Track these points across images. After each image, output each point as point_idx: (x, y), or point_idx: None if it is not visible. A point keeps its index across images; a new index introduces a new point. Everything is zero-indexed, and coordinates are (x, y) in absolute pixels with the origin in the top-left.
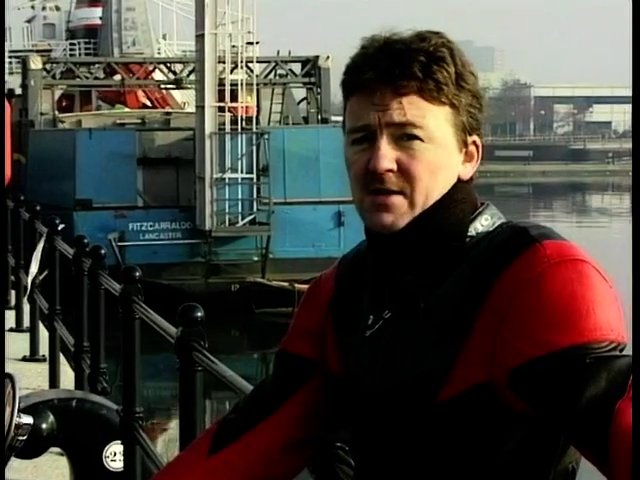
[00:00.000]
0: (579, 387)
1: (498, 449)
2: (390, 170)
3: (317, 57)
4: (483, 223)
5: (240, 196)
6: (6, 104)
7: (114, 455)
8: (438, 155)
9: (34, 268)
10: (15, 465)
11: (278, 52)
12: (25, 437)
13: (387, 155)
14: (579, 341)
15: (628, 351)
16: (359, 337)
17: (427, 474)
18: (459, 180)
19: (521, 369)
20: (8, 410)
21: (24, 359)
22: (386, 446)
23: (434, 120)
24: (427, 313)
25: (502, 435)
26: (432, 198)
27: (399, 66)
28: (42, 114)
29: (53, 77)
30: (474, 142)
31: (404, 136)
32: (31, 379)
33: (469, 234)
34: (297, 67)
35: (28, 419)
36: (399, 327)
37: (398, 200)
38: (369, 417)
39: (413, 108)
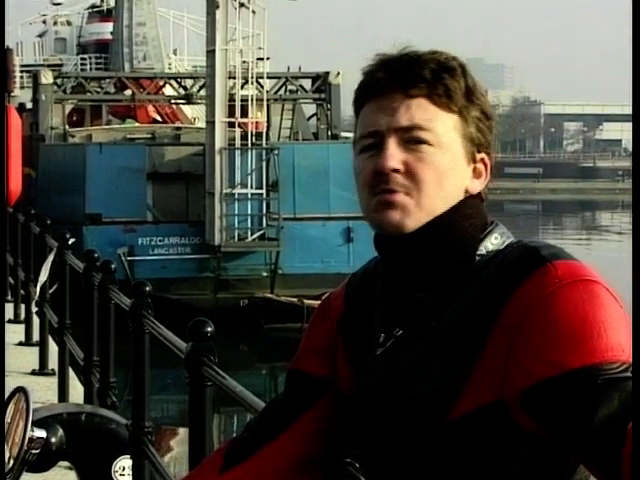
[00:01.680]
0: (591, 408)
1: (508, 467)
2: (397, 170)
3: (327, 73)
4: (493, 242)
5: (249, 211)
6: (17, 118)
7: (123, 470)
8: (445, 160)
9: (43, 277)
10: (28, 479)
11: (288, 68)
12: (38, 451)
13: (394, 155)
14: (591, 362)
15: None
16: (370, 355)
17: None
18: (472, 196)
19: (533, 389)
20: (21, 424)
21: (33, 373)
22: (396, 464)
23: (442, 125)
24: (439, 331)
25: (512, 453)
26: (439, 205)
27: (410, 69)
28: (53, 128)
29: (64, 91)
30: (482, 160)
31: (412, 140)
32: (40, 393)
33: (479, 252)
34: (307, 83)
35: (41, 432)
36: (410, 345)
37: (404, 198)
38: (379, 434)
39: (421, 112)
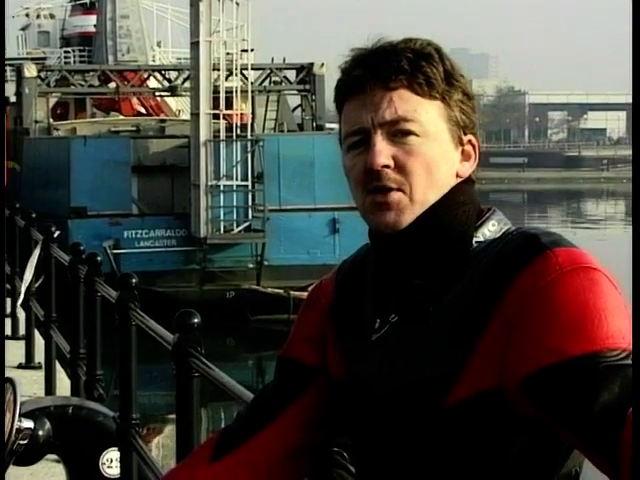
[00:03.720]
0: (592, 394)
1: (503, 454)
2: (387, 166)
3: (312, 64)
4: (490, 229)
5: (235, 203)
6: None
7: (110, 462)
8: (434, 149)
9: (28, 275)
10: (12, 472)
11: (273, 59)
12: (26, 441)
13: (383, 151)
14: (592, 349)
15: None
16: (364, 341)
17: (431, 479)
18: (463, 181)
19: (534, 376)
20: (9, 415)
21: (20, 366)
22: (390, 451)
23: (426, 114)
24: (436, 317)
25: (507, 440)
26: (432, 194)
27: (387, 62)
28: (37, 122)
29: (48, 85)
30: (470, 141)
31: (398, 133)
32: (27, 386)
33: (477, 239)
34: (292, 74)
35: (29, 423)
36: (406, 331)
37: (397, 196)
38: (373, 422)
39: (404, 103)
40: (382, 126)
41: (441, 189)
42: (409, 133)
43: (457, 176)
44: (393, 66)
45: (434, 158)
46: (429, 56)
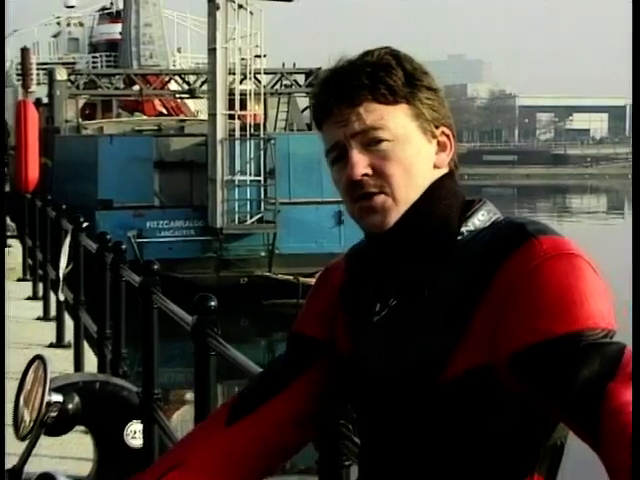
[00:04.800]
0: (574, 370)
1: (494, 426)
2: (366, 174)
3: (319, 69)
4: (480, 218)
5: (248, 196)
6: (34, 112)
7: (134, 433)
8: (407, 150)
9: (63, 262)
10: (43, 442)
11: (283, 64)
12: (55, 414)
13: (360, 162)
14: (574, 329)
15: (619, 339)
16: (366, 323)
17: (428, 449)
18: (444, 175)
19: (520, 354)
20: (40, 390)
21: (51, 345)
22: (390, 422)
23: (393, 119)
24: (431, 301)
25: (498, 414)
26: (413, 191)
27: (347, 82)
28: (67, 121)
29: (77, 87)
30: (443, 132)
31: (371, 141)
32: (58, 364)
33: (467, 228)
34: (301, 78)
35: (58, 397)
36: (404, 314)
37: (381, 199)
38: (374, 395)
39: (370, 114)
40: (354, 137)
41: (422, 184)
42: (381, 140)
43: (435, 167)
44: (353, 85)
45: (409, 158)
46: (387, 66)
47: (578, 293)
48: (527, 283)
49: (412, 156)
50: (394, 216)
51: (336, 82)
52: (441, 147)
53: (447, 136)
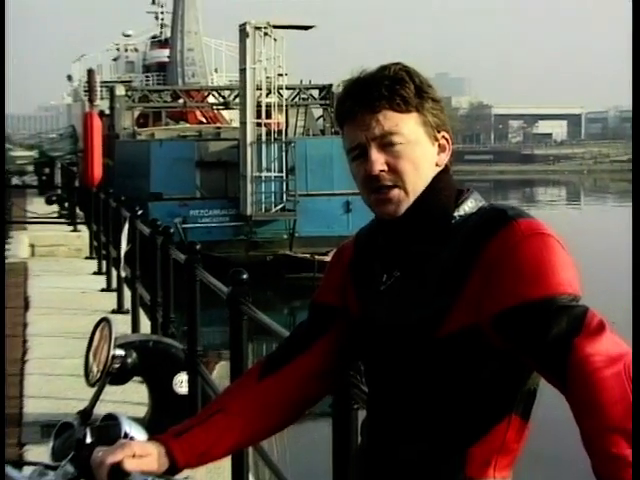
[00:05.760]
0: (546, 328)
1: (480, 374)
2: (383, 170)
3: (331, 85)
4: (469, 205)
5: (273, 190)
6: (98, 121)
7: (181, 383)
8: (416, 152)
9: (123, 244)
10: (108, 390)
11: (301, 81)
12: (118, 366)
13: (378, 160)
14: (547, 294)
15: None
16: (374, 290)
17: (425, 394)
18: (442, 171)
19: (503, 315)
20: (106, 346)
21: (113, 312)
22: (394, 373)
23: (406, 126)
24: (429, 273)
25: (484, 364)
26: (420, 185)
27: (369, 92)
28: (125, 129)
29: (133, 101)
30: (443, 136)
31: (387, 144)
32: (118, 327)
33: (459, 214)
34: (316, 92)
35: (120, 352)
36: (407, 283)
37: (394, 192)
38: (380, 349)
39: (388, 121)
40: (374, 140)
41: (426, 179)
42: (395, 143)
43: (436, 165)
44: (375, 95)
45: (417, 157)
46: (402, 80)
47: (550, 265)
48: (509, 257)
49: (420, 156)
50: (405, 206)
51: (359, 92)
52: (441, 148)
53: (446, 139)
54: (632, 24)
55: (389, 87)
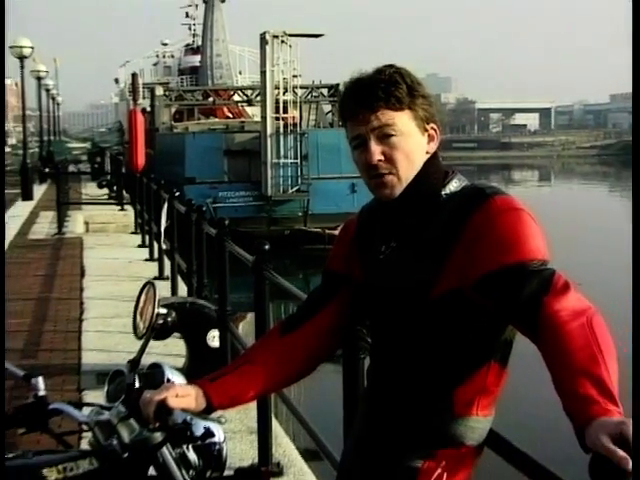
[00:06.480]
0: (520, 288)
1: (464, 328)
2: (380, 160)
3: (338, 84)
4: (454, 185)
5: (290, 174)
6: (141, 117)
7: (213, 338)
8: (409, 143)
9: (163, 221)
10: (152, 344)
11: (313, 81)
12: (161, 322)
13: (376, 151)
14: (520, 260)
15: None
16: (375, 259)
17: (419, 345)
18: (431, 157)
19: (484, 278)
20: (151, 306)
21: (155, 278)
22: (392, 328)
23: (400, 121)
24: (421, 243)
25: (467, 320)
26: (412, 171)
27: (368, 94)
28: (163, 123)
29: (170, 100)
30: (432, 127)
31: (384, 136)
32: (159, 291)
33: (445, 192)
34: (325, 91)
35: (163, 310)
36: (402, 252)
37: (389, 178)
38: (381, 309)
39: (384, 117)
40: (372, 131)
41: (417, 166)
42: (390, 135)
43: (427, 152)
44: (373, 97)
45: (410, 148)
46: (396, 82)
47: (523, 236)
48: (488, 229)
49: (412, 146)
50: (398, 189)
51: (358, 93)
52: (430, 138)
53: (435, 130)
54: (632, 24)
55: (385, 89)
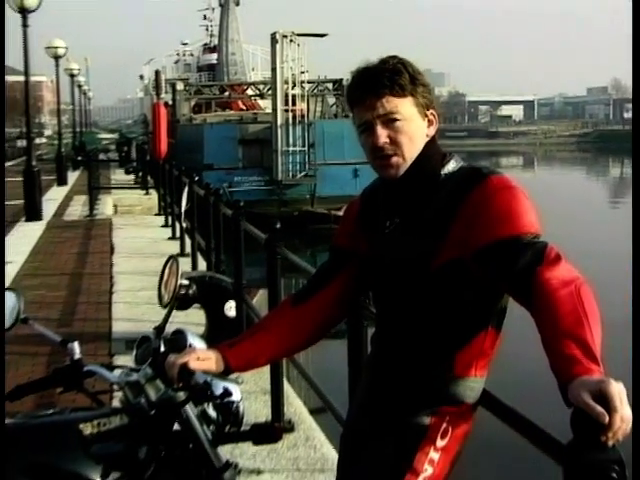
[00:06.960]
0: (515, 260)
1: (463, 297)
2: (386, 142)
3: (342, 79)
4: (452, 165)
5: (298, 160)
6: (164, 110)
7: (230, 308)
8: (412, 127)
9: (184, 203)
10: (175, 313)
11: (319, 76)
12: (183, 293)
13: (382, 134)
14: (515, 233)
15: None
16: (380, 234)
17: (421, 313)
18: (430, 140)
19: (482, 250)
20: (174, 279)
21: (177, 255)
22: (395, 297)
23: (403, 107)
24: (423, 219)
25: (466, 289)
26: (414, 152)
27: (374, 81)
28: (184, 115)
29: (190, 94)
30: (432, 113)
31: (389, 121)
32: (181, 266)
33: (444, 172)
34: (330, 85)
35: (185, 282)
36: (405, 228)
37: (394, 159)
38: (385, 280)
39: (389, 104)
40: (378, 117)
41: (419, 147)
42: (395, 120)
43: (427, 135)
44: (379, 84)
45: (412, 132)
46: (399, 71)
47: (517, 211)
48: (486, 206)
49: (414, 130)
50: (403, 169)
51: (366, 82)
52: (430, 122)
53: (433, 115)
54: (632, 24)
55: (389, 78)
